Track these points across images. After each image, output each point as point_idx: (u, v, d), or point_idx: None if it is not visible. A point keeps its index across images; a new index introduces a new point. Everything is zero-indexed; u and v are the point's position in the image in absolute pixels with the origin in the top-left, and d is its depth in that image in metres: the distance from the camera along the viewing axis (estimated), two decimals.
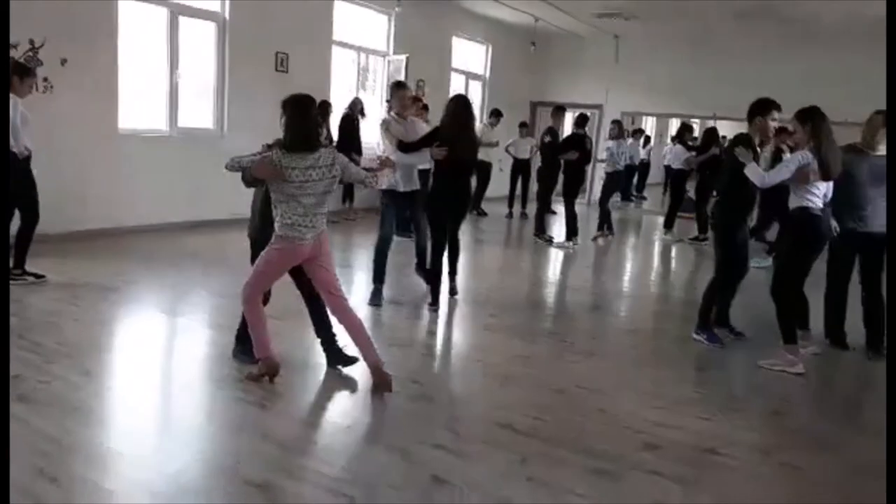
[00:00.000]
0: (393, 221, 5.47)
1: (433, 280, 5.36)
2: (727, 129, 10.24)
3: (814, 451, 3.33)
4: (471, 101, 5.40)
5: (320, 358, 3.88)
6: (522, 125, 11.38)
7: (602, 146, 10.45)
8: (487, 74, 13.02)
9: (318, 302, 3.72)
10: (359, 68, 10.17)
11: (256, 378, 3.56)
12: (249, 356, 3.70)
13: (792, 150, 5.23)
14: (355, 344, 3.65)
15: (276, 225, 3.42)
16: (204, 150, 7.71)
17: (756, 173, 4.36)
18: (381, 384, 3.56)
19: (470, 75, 12.62)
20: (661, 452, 3.10)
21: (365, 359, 3.63)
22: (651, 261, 8.82)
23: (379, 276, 5.36)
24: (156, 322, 4.72)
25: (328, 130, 8.43)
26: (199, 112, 8.01)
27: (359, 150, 8.67)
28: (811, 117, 4.31)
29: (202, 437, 3.03)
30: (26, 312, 4.49)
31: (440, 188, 5.26)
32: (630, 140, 14.28)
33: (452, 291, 5.61)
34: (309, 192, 3.38)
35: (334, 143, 8.18)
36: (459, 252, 5.61)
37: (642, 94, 12.59)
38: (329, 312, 3.73)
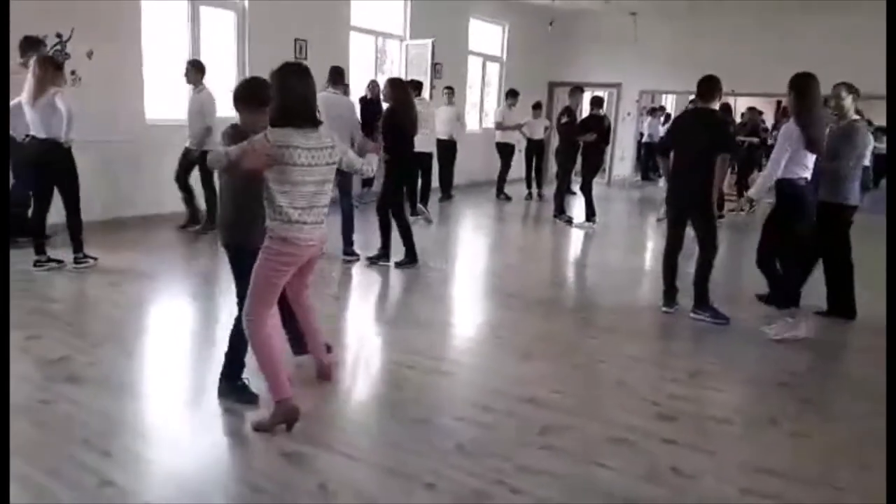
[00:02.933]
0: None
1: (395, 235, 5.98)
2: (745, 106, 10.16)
3: (822, 419, 3.43)
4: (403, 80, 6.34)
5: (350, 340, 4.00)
6: (536, 106, 11.43)
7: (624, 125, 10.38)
8: (504, 56, 13.03)
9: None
10: (376, 52, 10.27)
11: (268, 428, 2.92)
12: (240, 394, 3.18)
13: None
14: (308, 337, 3.43)
15: (275, 225, 2.81)
16: None
17: (764, 175, 4.46)
18: (322, 375, 3.43)
19: (487, 57, 12.64)
20: (677, 423, 3.23)
21: (314, 353, 3.45)
22: None
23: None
24: (187, 307, 4.91)
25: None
26: (221, 102, 8.16)
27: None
28: (793, 86, 4.25)
29: (228, 413, 3.17)
30: (68, 298, 4.75)
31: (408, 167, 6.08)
32: (649, 118, 14.26)
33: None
34: (314, 178, 2.81)
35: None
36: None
37: (661, 71, 12.52)
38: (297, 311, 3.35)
